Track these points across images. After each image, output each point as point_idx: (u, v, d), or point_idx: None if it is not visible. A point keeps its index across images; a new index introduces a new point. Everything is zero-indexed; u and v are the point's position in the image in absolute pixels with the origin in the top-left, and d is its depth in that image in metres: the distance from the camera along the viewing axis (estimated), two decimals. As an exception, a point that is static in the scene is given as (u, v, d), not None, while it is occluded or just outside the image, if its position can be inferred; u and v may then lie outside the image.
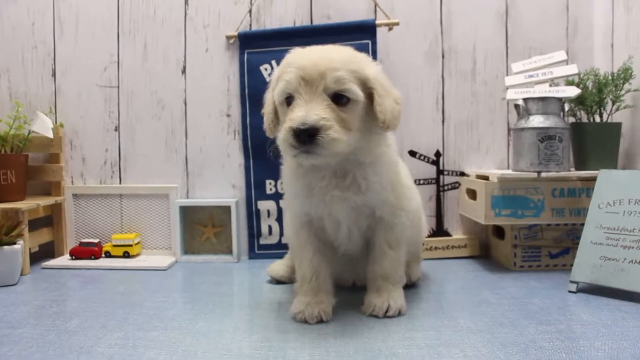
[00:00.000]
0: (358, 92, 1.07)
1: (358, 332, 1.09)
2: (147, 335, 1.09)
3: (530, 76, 1.68)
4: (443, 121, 1.83)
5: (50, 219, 1.81)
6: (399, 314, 1.19)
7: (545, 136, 1.54)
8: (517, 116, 1.63)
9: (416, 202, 1.34)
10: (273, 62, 1.74)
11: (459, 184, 1.82)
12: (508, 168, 1.83)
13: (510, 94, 1.65)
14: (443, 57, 1.82)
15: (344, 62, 1.07)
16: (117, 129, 1.84)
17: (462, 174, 1.81)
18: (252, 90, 1.76)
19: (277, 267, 1.50)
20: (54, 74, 1.84)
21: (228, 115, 1.82)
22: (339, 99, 1.06)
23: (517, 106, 1.63)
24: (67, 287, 1.46)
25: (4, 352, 1.01)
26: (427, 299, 1.32)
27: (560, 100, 1.58)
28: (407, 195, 1.25)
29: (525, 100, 1.61)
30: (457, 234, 1.81)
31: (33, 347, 1.03)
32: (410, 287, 1.40)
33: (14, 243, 1.48)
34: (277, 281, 1.48)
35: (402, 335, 1.08)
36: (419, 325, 1.13)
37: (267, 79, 1.74)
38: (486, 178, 1.61)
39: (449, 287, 1.42)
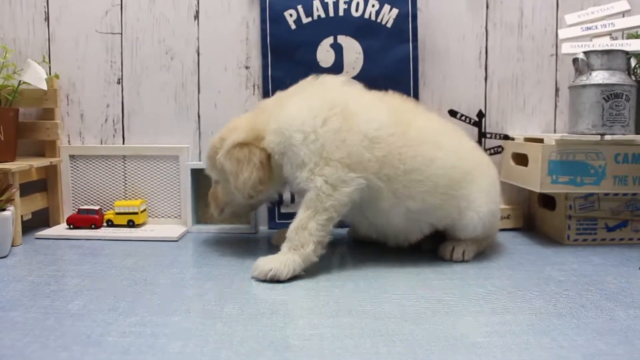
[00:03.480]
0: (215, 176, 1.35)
1: (419, 316, 0.91)
2: (167, 320, 0.90)
3: (588, 28, 1.50)
4: (486, 78, 1.64)
5: (44, 183, 1.60)
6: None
7: (611, 94, 1.36)
8: (575, 72, 1.45)
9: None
10: (300, 7, 1.54)
11: (502, 149, 1.63)
12: (554, 132, 1.65)
13: (566, 48, 1.47)
14: (487, 6, 1.62)
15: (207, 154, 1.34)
16: (119, 81, 1.63)
17: (506, 137, 1.62)
18: (275, 40, 1.55)
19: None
20: (47, 18, 1.61)
21: (247, 67, 1.62)
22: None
23: (575, 61, 1.45)
24: (66, 260, 1.26)
25: (-8, 342, 0.82)
26: (485, 275, 1.16)
27: (627, 55, 1.40)
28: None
29: (586, 54, 1.42)
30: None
31: (29, 335, 0.84)
32: (461, 262, 1.27)
33: (4, 209, 1.28)
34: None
35: (474, 319, 0.91)
36: (491, 308, 0.97)
37: (292, 27, 1.54)
38: (538, 141, 1.42)
39: (503, 262, 1.27)
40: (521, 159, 1.52)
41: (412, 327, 0.88)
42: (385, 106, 1.24)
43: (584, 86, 1.40)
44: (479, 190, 1.25)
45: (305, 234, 1.14)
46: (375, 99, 1.27)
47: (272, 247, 1.39)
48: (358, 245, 1.43)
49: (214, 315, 0.92)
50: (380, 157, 1.18)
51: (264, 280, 1.11)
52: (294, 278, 1.13)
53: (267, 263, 1.12)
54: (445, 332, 0.86)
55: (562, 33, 1.51)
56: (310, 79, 1.31)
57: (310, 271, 1.17)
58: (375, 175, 1.18)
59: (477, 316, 0.93)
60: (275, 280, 1.10)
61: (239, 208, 1.38)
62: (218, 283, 1.10)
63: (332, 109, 1.19)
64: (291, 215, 1.53)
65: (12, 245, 1.33)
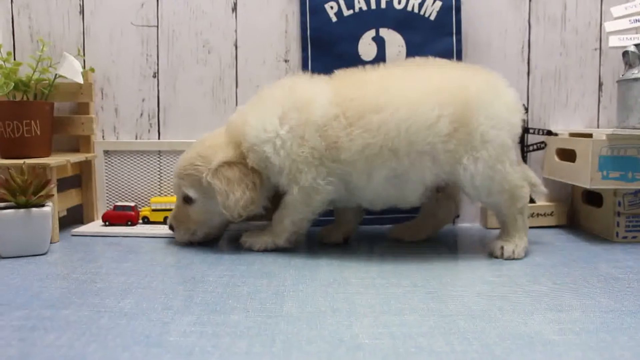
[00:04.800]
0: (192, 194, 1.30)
1: (486, 313, 0.87)
2: (227, 319, 0.86)
3: (637, 20, 1.46)
4: (528, 73, 1.60)
5: (79, 179, 1.57)
6: None
7: (665, 87, 1.32)
8: (625, 66, 1.42)
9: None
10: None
11: (545, 144, 1.59)
12: (597, 127, 1.61)
13: (614, 41, 1.43)
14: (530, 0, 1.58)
15: (182, 169, 1.30)
16: (155, 75, 1.60)
17: (550, 132, 1.58)
18: (316, 32, 1.52)
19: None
20: (82, 12, 1.58)
21: (286, 61, 1.58)
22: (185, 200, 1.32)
23: (625, 54, 1.41)
24: (106, 257, 1.23)
25: (51, 341, 0.78)
26: (541, 273, 1.13)
27: (679, 47, 1.37)
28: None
29: (637, 46, 1.39)
30: (540, 201, 1.58)
31: (86, 334, 0.81)
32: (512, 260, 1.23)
33: (43, 205, 1.25)
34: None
35: (544, 316, 0.88)
36: (557, 305, 0.93)
37: (333, 19, 1.50)
38: (586, 137, 1.38)
39: (555, 259, 1.23)
40: (567, 155, 1.48)
41: (483, 325, 0.84)
42: (328, 87, 1.24)
43: (636, 79, 1.36)
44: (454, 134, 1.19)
45: (280, 227, 1.27)
46: (321, 82, 1.27)
47: (315, 243, 1.35)
48: (398, 243, 1.39)
49: (274, 314, 0.89)
50: (331, 144, 1.20)
51: (243, 248, 1.30)
52: (347, 278, 1.10)
53: (248, 237, 1.31)
54: (517, 329, 0.82)
55: (609, 26, 1.47)
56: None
57: (363, 269, 1.14)
58: (339, 165, 1.21)
59: (546, 313, 0.89)
60: (250, 249, 1.29)
61: (213, 229, 1.35)
62: (271, 280, 1.06)
63: (283, 106, 1.23)
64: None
65: (50, 243, 1.29)
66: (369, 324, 0.85)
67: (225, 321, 0.86)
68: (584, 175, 1.37)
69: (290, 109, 1.22)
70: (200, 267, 1.15)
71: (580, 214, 1.58)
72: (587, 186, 1.36)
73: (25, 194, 1.22)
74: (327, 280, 1.07)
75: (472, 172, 1.20)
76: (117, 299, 0.96)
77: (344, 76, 1.28)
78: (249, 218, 1.31)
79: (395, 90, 1.20)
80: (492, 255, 1.25)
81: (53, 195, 1.29)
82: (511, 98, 1.26)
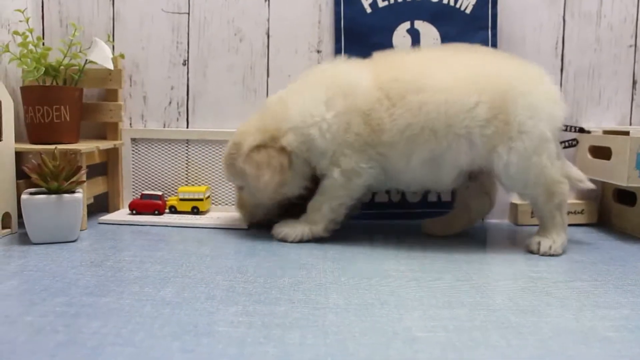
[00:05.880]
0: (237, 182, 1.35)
1: (535, 308, 0.86)
2: (274, 310, 0.85)
3: (674, 17, 1.44)
4: (562, 69, 1.57)
5: (105, 167, 1.55)
6: None
7: None
8: (663, 63, 1.39)
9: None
10: (376, -11, 1.48)
11: (577, 142, 1.57)
12: (630, 124, 1.59)
13: (650, 37, 1.40)
14: (566, -6, 1.56)
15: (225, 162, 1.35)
16: (185, 62, 1.58)
17: (582, 130, 1.56)
18: (349, 23, 1.50)
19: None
20: (112, -4, 1.56)
21: (318, 52, 1.56)
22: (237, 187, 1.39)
23: (663, 51, 1.39)
24: (138, 246, 1.21)
25: (96, 328, 0.76)
26: (581, 270, 1.11)
27: None
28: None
29: (677, 42, 1.36)
30: (570, 199, 1.56)
31: (131, 322, 0.79)
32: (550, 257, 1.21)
33: (74, 191, 1.23)
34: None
35: (593, 312, 0.86)
36: (604, 302, 0.92)
37: (368, 10, 1.48)
38: (622, 134, 1.36)
39: (592, 257, 1.21)
40: (600, 152, 1.46)
41: (534, 320, 0.82)
42: (369, 70, 1.24)
43: (675, 77, 1.34)
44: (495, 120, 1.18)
45: (318, 215, 1.26)
46: (362, 66, 1.27)
47: (346, 235, 1.33)
48: (429, 237, 1.37)
49: (321, 305, 0.87)
50: (375, 127, 1.20)
51: (276, 239, 1.29)
52: (387, 271, 1.08)
53: (282, 227, 1.29)
54: (569, 325, 0.81)
55: (646, 22, 1.44)
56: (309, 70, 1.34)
57: (402, 262, 1.13)
58: (381, 149, 1.22)
59: (595, 310, 0.87)
60: (283, 241, 1.27)
61: (268, 210, 1.36)
62: (310, 272, 1.05)
63: (327, 91, 1.23)
64: (380, 206, 1.48)
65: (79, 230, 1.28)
66: (420, 317, 0.83)
67: (271, 312, 0.84)
68: (621, 173, 1.35)
69: (335, 94, 1.22)
70: (236, 258, 1.13)
71: (611, 212, 1.56)
72: (625, 184, 1.34)
73: (57, 180, 1.20)
74: (368, 273, 1.05)
75: (505, 162, 1.18)
76: (156, 287, 0.94)
77: (384, 58, 1.28)
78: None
79: (436, 73, 1.20)
80: (528, 250, 1.23)
81: (84, 181, 1.28)
82: (552, 89, 1.25)
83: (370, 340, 0.75)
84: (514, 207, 1.56)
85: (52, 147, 1.27)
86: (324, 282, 0.99)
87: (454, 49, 1.30)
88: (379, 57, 1.29)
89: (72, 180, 1.22)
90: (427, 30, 1.48)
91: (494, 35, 1.49)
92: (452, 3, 1.48)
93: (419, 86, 1.19)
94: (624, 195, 1.50)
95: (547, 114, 1.21)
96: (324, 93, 1.23)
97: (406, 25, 1.48)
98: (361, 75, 1.24)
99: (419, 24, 1.48)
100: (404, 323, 0.80)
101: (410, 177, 1.26)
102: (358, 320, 0.81)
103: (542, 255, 1.21)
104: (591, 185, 1.33)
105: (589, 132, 1.54)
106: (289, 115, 1.25)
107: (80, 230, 1.30)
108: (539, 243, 1.22)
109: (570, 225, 1.49)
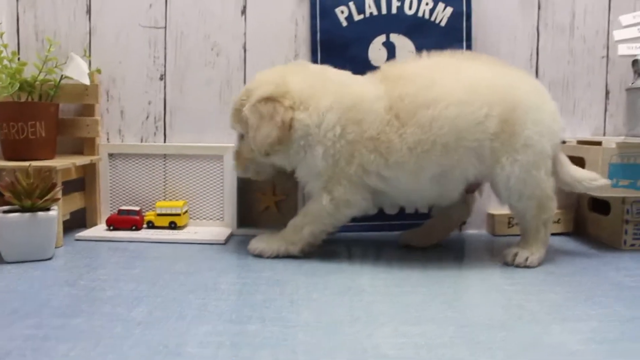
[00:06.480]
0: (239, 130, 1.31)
1: (505, 322, 0.86)
2: (244, 329, 0.85)
3: (645, 29, 1.46)
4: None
5: (82, 183, 1.54)
6: None
7: (674, 97, 1.32)
8: (634, 74, 1.41)
9: None
10: (351, 4, 1.49)
11: (553, 152, 1.58)
12: (604, 135, 1.61)
13: (623, 50, 1.43)
14: (539, 7, 1.58)
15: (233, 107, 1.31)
16: (162, 77, 1.58)
17: (558, 140, 1.57)
18: (325, 36, 1.50)
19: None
20: (89, 11, 1.56)
21: (295, 65, 1.56)
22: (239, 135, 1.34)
23: (635, 62, 1.42)
24: (113, 263, 1.21)
25: (65, 351, 0.76)
26: (555, 281, 1.13)
27: (689, 56, 1.37)
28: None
29: (646, 55, 1.38)
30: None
31: (100, 344, 0.79)
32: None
33: (48, 209, 1.23)
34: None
35: (561, 326, 0.86)
36: (573, 315, 0.93)
37: (344, 24, 1.49)
38: (595, 144, 1.38)
39: (566, 268, 1.23)
40: (575, 163, 1.46)
41: (503, 335, 0.83)
42: (380, 89, 1.23)
43: (645, 89, 1.36)
44: (502, 133, 1.19)
45: (297, 236, 1.25)
46: (374, 84, 1.25)
47: (321, 248, 1.33)
48: (407, 249, 1.38)
49: (292, 324, 0.87)
50: (384, 149, 1.19)
51: (252, 255, 1.28)
52: (362, 285, 1.08)
53: (258, 243, 1.28)
54: (539, 339, 0.82)
55: (618, 34, 1.47)
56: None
57: (376, 276, 1.13)
58: (383, 175, 1.21)
59: (563, 323, 0.88)
60: (259, 256, 1.26)
61: (262, 167, 1.33)
62: (284, 288, 1.05)
63: (344, 116, 1.20)
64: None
65: (54, 247, 1.27)
66: (389, 334, 0.83)
67: (242, 331, 0.84)
68: (595, 183, 1.36)
69: (349, 122, 1.20)
70: (210, 274, 1.13)
71: (587, 222, 1.58)
72: (598, 194, 1.35)
73: (31, 198, 1.20)
74: (341, 288, 1.05)
75: (508, 173, 1.20)
76: (128, 307, 0.94)
77: (393, 73, 1.26)
78: None
79: (445, 85, 1.20)
80: (504, 261, 1.24)
81: (59, 199, 1.27)
82: (554, 106, 1.27)
83: (338, 359, 0.75)
84: (491, 217, 1.57)
85: (26, 164, 1.26)
86: (297, 298, 0.99)
87: (458, 57, 1.30)
88: (388, 70, 1.28)
89: (46, 197, 1.22)
90: (403, 43, 1.49)
91: (469, 47, 1.50)
92: (427, 16, 1.49)
93: (427, 100, 1.18)
94: (599, 205, 1.52)
95: (550, 130, 1.23)
96: (339, 115, 1.21)
97: (382, 38, 1.49)
98: (376, 102, 1.21)
99: (395, 37, 1.49)
100: (373, 340, 0.81)
101: (418, 195, 1.26)
102: (327, 338, 0.82)
103: (517, 266, 1.22)
104: (607, 182, 1.31)
105: (564, 142, 1.56)
106: (316, 103, 1.22)
107: (56, 247, 1.29)
108: (515, 254, 1.23)
109: (547, 234, 1.51)
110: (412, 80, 1.21)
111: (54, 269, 1.16)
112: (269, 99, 1.21)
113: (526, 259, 1.22)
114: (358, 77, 1.29)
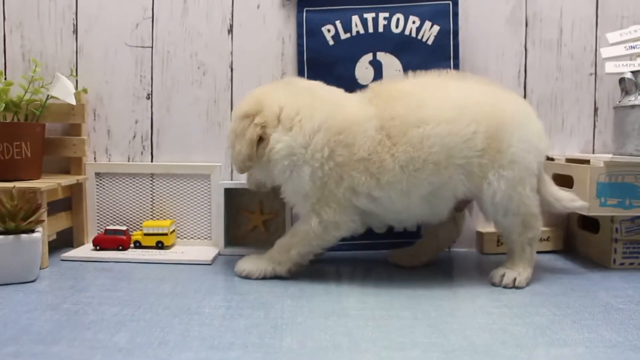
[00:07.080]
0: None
1: (490, 348, 0.85)
2: (226, 356, 0.84)
3: (632, 47, 1.46)
4: (525, 96, 1.60)
5: (69, 202, 1.54)
6: None
7: (662, 115, 1.32)
8: (622, 92, 1.41)
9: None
10: (338, 22, 1.49)
11: (541, 169, 1.58)
12: (593, 152, 1.61)
13: (610, 67, 1.43)
14: (526, 24, 1.58)
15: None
16: (149, 96, 1.57)
17: (547, 158, 1.57)
18: (312, 54, 1.51)
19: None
20: (75, 31, 1.56)
21: (282, 84, 1.56)
22: None
23: (622, 80, 1.41)
24: (98, 285, 1.20)
25: (42, 381, 0.75)
26: (542, 303, 1.12)
27: (676, 74, 1.37)
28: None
29: (634, 73, 1.39)
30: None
31: (79, 373, 0.77)
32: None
33: (33, 231, 1.22)
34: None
35: (547, 352, 0.86)
36: (560, 339, 0.92)
37: (330, 42, 1.49)
38: (582, 162, 1.37)
39: (554, 288, 1.22)
40: (564, 181, 1.46)
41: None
42: (371, 109, 1.23)
43: (633, 107, 1.36)
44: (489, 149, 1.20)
45: (285, 257, 1.25)
46: (364, 103, 1.25)
47: (322, 273, 1.32)
48: (396, 269, 1.37)
49: (274, 350, 0.86)
50: (376, 169, 1.19)
51: (240, 276, 1.27)
52: (346, 309, 1.07)
53: (245, 264, 1.27)
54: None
55: (605, 52, 1.47)
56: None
57: (361, 299, 1.12)
58: (374, 196, 1.21)
59: (549, 349, 0.87)
60: (247, 278, 1.25)
61: (256, 179, 1.35)
62: (269, 312, 1.04)
63: (333, 138, 1.19)
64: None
65: (39, 268, 1.26)
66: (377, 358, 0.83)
67: (224, 358, 0.83)
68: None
69: (338, 144, 1.20)
70: (195, 297, 1.12)
71: (576, 240, 1.57)
72: (586, 213, 1.34)
73: (15, 220, 1.19)
74: (326, 312, 1.04)
75: (495, 189, 1.20)
76: (110, 332, 0.93)
77: (384, 92, 1.26)
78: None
79: (434, 104, 1.21)
80: (491, 282, 1.23)
81: (43, 220, 1.26)
82: (540, 125, 1.28)
83: (319, 388, 0.74)
84: (480, 235, 1.56)
85: (11, 185, 1.25)
86: (281, 323, 0.98)
87: (444, 76, 1.30)
88: (377, 89, 1.28)
89: (30, 220, 1.21)
90: (390, 62, 1.49)
91: (456, 65, 1.50)
92: (413, 34, 1.49)
93: (418, 120, 1.19)
94: (589, 222, 1.51)
95: (536, 148, 1.24)
96: (329, 138, 1.20)
97: (369, 57, 1.49)
98: (367, 123, 1.21)
99: (382, 56, 1.49)
100: (356, 368, 0.80)
101: (407, 214, 1.26)
102: (310, 366, 0.81)
103: (505, 287, 1.21)
104: (584, 203, 1.32)
105: (552, 159, 1.56)
106: (301, 126, 1.21)
107: (41, 268, 1.28)
108: (503, 275, 1.23)
109: (537, 252, 1.51)
110: (403, 100, 1.22)
111: (38, 291, 1.15)
112: (245, 116, 1.23)
113: (514, 280, 1.22)
114: (349, 95, 1.29)
